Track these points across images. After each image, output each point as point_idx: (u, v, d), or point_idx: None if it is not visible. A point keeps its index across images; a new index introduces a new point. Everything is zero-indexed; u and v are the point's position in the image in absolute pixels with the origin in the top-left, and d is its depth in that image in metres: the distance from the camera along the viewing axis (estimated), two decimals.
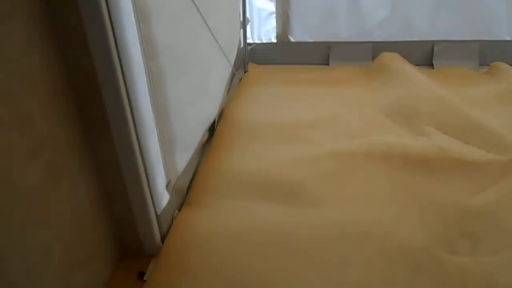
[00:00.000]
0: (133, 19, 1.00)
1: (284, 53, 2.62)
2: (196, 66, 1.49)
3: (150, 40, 1.08)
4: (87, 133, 1.06)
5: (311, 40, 2.60)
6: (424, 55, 2.53)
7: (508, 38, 2.47)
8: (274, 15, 2.53)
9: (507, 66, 2.36)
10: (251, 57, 2.55)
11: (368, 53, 2.56)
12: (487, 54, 2.47)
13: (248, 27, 2.45)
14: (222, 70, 1.85)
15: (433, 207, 1.45)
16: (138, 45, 1.03)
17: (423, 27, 2.49)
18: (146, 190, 1.18)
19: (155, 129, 1.18)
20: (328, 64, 2.61)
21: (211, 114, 1.80)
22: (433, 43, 2.51)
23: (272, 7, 2.50)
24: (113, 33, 0.93)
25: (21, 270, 0.83)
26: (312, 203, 1.47)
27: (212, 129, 1.87)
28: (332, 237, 1.32)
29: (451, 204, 1.45)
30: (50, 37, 0.90)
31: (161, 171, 1.26)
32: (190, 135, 1.53)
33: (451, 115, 1.92)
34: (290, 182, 1.57)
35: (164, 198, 1.30)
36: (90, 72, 0.96)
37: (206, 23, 1.57)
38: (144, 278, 1.23)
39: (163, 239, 1.32)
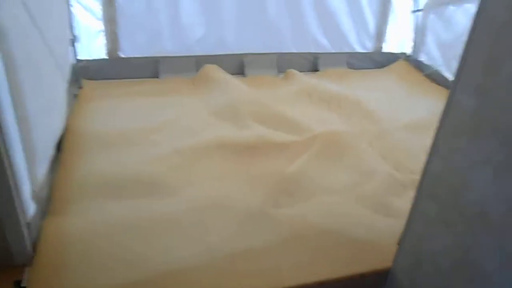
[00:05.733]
0: None
1: (115, 69, 2.77)
2: (45, 80, 1.57)
3: (8, 55, 1.17)
4: None
5: (140, 56, 2.83)
6: (237, 65, 3.08)
7: (294, 51, 3.24)
8: (103, 32, 2.65)
9: (296, 71, 3.11)
10: (83, 73, 2.60)
11: (192, 65, 2.95)
12: (282, 64, 3.18)
13: (78, 45, 2.51)
14: (61, 86, 1.92)
15: (260, 178, 1.91)
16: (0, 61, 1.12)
17: (233, 42, 3.03)
18: (14, 197, 1.23)
19: (18, 139, 1.25)
20: (158, 77, 2.89)
21: (59, 128, 1.85)
22: (242, 56, 3.08)
23: (99, 25, 2.62)
24: None
25: None
26: (168, 192, 1.75)
27: (58, 145, 1.90)
28: (191, 214, 1.62)
29: (272, 174, 1.94)
30: None
31: (26, 180, 1.32)
32: (47, 147, 1.58)
33: (264, 110, 2.47)
34: (145, 178, 1.80)
35: (31, 207, 1.35)
36: None
37: (43, 39, 1.65)
38: (22, 285, 1.27)
39: (34, 247, 1.36)
